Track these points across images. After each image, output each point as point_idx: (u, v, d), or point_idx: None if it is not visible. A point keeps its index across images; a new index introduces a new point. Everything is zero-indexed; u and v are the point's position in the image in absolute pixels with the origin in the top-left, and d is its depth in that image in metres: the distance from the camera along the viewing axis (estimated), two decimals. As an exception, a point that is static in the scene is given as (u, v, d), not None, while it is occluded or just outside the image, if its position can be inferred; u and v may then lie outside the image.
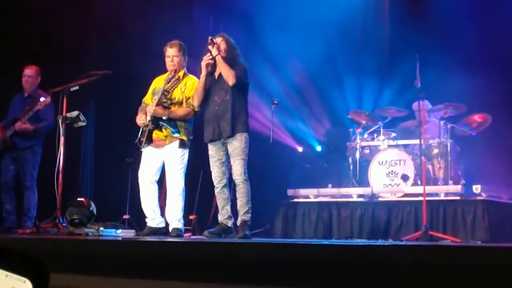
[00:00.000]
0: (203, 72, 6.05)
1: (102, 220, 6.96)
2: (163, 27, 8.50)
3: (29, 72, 7.79)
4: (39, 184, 7.66)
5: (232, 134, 5.92)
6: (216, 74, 6.07)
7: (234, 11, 9.86)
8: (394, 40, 9.90)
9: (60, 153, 6.53)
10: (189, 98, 6.26)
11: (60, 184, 6.47)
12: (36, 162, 7.67)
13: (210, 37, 6.01)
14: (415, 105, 8.06)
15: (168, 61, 6.37)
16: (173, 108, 6.23)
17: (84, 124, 6.96)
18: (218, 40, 6.07)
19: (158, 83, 6.47)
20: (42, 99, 7.21)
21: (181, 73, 6.38)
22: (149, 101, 6.39)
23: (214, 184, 6.09)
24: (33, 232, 6.31)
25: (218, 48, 5.99)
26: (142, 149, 6.31)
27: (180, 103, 6.27)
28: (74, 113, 6.75)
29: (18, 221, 7.56)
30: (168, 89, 6.28)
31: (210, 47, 5.99)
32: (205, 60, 6.01)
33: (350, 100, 10.10)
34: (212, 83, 6.07)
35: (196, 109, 6.25)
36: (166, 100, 6.23)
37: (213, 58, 5.98)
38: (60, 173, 6.50)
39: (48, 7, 8.66)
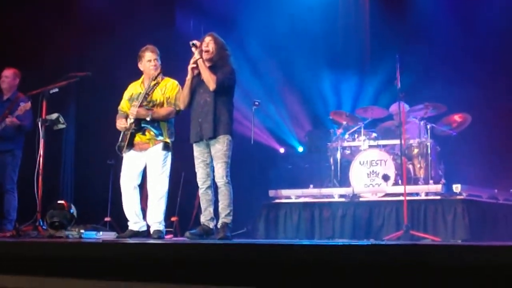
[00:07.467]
0: (189, 75, 6.03)
1: (83, 222, 6.92)
2: (144, 30, 8.49)
3: (7, 73, 7.75)
4: (19, 187, 7.60)
5: (214, 136, 5.90)
6: (201, 76, 6.03)
7: (215, 14, 9.86)
8: (374, 41, 9.95)
9: (40, 155, 6.49)
10: (169, 97, 6.24)
11: (40, 187, 6.42)
12: (16, 166, 7.62)
13: (191, 42, 5.99)
14: (392, 108, 8.11)
15: (149, 64, 6.29)
16: (155, 109, 6.20)
17: (64, 126, 6.92)
18: (207, 39, 6.03)
19: (134, 89, 6.43)
20: (22, 104, 7.17)
21: (159, 77, 6.35)
22: (126, 108, 6.36)
23: (199, 185, 6.07)
24: (13, 235, 6.24)
25: (204, 51, 5.97)
26: (123, 154, 6.28)
27: (161, 105, 6.24)
28: (54, 116, 6.71)
29: (-2, 224, 7.50)
30: (148, 92, 6.25)
31: (193, 49, 5.98)
32: (191, 64, 6.00)
33: (330, 101, 10.13)
34: (197, 84, 6.04)
35: (178, 108, 6.23)
36: (146, 103, 6.20)
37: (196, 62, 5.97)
38: (40, 176, 6.45)
39: (28, 9, 8.60)
